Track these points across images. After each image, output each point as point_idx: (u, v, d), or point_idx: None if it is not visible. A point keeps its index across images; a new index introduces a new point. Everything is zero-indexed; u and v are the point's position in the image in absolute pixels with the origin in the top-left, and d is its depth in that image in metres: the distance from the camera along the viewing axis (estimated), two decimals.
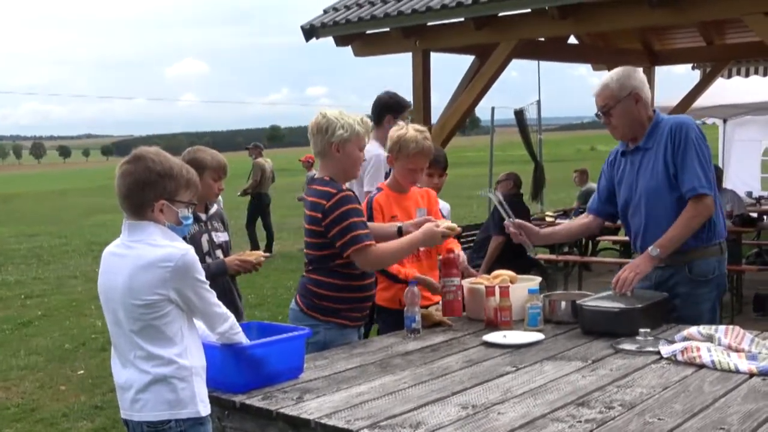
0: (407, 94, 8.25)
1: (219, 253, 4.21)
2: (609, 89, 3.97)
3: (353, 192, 3.72)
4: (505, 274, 4.08)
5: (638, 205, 4.01)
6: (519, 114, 13.83)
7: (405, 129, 4.17)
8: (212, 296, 2.71)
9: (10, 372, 7.45)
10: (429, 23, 8.17)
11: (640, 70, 4.08)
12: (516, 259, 7.29)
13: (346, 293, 3.69)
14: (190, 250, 2.64)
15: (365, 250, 3.58)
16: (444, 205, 5.03)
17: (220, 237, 4.26)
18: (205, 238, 4.16)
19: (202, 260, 4.20)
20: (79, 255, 16.17)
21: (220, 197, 4.40)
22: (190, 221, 2.79)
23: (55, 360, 7.88)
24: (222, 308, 2.77)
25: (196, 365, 2.68)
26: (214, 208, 4.30)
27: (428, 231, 3.72)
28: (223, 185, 4.20)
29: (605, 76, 4.05)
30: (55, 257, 16.06)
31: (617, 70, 4.02)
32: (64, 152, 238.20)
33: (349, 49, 8.93)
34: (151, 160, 2.66)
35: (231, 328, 2.80)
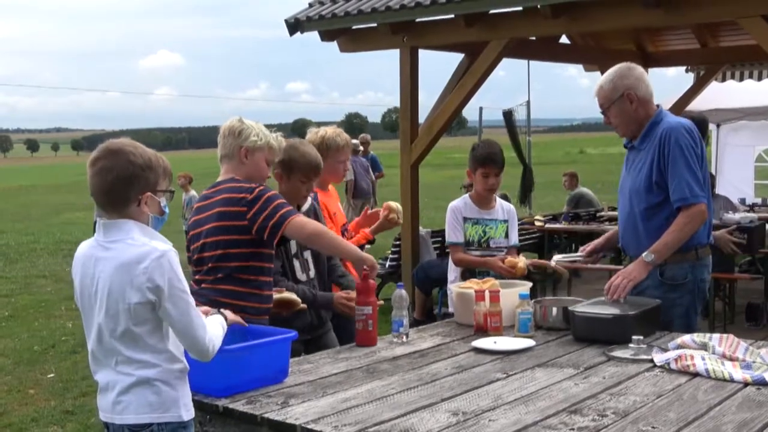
0: (394, 92, 8.18)
1: (307, 254, 4.06)
2: (603, 90, 3.96)
3: None
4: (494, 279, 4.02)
5: (624, 204, 4.03)
6: (508, 115, 13.76)
7: (322, 131, 4.42)
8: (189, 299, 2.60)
9: None
10: (418, 19, 8.11)
11: (638, 67, 4.01)
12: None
13: (267, 290, 3.60)
14: (170, 248, 2.55)
15: (297, 219, 3.45)
16: (509, 207, 4.80)
17: None
18: None
19: (290, 262, 3.99)
20: (48, 254, 15.86)
21: (309, 198, 4.14)
22: (167, 209, 2.71)
23: (24, 363, 7.66)
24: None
25: (180, 368, 2.61)
26: (307, 204, 4.11)
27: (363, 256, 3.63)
28: (313, 186, 4.02)
29: (605, 74, 4.01)
30: (22, 256, 15.71)
31: (613, 69, 3.98)
32: (32, 146, 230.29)
33: (331, 43, 8.84)
34: (131, 154, 2.56)
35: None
